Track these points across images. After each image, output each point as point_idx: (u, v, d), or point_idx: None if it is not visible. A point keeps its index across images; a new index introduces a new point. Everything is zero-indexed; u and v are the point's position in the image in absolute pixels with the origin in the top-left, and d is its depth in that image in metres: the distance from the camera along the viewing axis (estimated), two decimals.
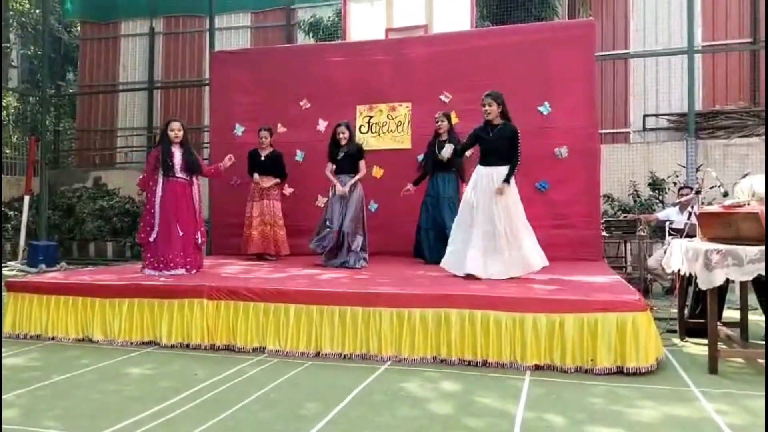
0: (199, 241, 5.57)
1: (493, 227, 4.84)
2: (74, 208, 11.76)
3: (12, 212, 11.49)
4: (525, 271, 4.88)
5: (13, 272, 9.10)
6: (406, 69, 7.29)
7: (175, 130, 5.48)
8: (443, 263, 5.12)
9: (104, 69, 13.95)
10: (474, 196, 4.95)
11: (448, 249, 5.11)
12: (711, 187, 5.03)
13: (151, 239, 5.37)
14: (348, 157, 6.10)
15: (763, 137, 9.21)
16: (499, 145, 4.94)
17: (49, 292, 4.86)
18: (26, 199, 9.85)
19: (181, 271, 5.36)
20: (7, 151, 13.33)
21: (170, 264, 5.34)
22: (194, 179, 5.59)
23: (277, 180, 6.88)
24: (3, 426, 2.84)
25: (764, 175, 3.89)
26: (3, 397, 3.29)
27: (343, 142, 6.09)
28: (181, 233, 5.41)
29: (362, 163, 6.17)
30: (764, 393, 3.20)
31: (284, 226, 6.87)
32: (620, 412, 3.01)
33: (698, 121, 9.38)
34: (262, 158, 6.84)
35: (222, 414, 2.99)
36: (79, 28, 15.34)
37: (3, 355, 4.27)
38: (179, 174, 5.44)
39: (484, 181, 4.93)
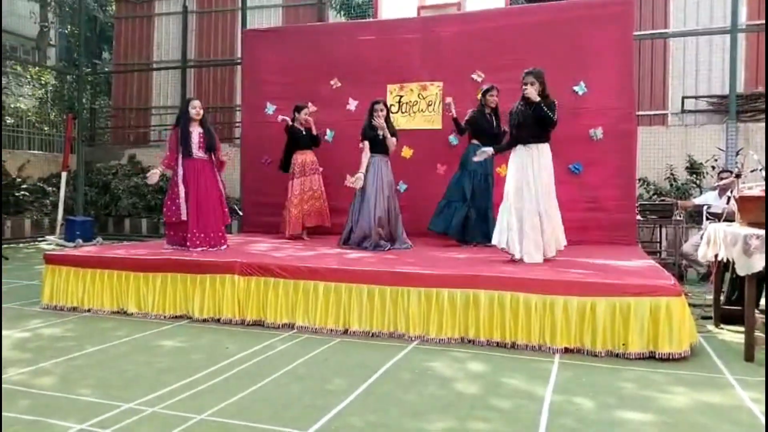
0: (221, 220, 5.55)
1: (539, 206, 4.69)
2: (110, 184, 12.03)
3: (50, 188, 11.81)
4: (556, 250, 4.80)
5: (51, 246, 9.37)
6: (437, 47, 7.16)
7: (197, 108, 5.51)
8: (504, 243, 4.76)
9: (138, 47, 14.11)
10: (525, 176, 4.74)
11: (508, 230, 4.75)
12: (752, 171, 4.88)
13: (176, 219, 5.36)
14: (386, 139, 5.86)
15: None
16: (534, 123, 4.78)
17: (85, 266, 4.98)
18: (64, 175, 10.09)
19: (205, 248, 5.34)
20: (46, 129, 13.64)
21: (196, 242, 5.33)
22: (213, 158, 5.59)
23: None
24: (41, 392, 2.94)
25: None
26: (41, 364, 3.41)
27: (381, 121, 5.82)
28: (204, 211, 5.42)
29: (394, 140, 5.96)
30: None
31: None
32: (651, 397, 2.97)
33: (739, 104, 9.07)
34: (304, 133, 6.76)
35: (251, 387, 3.04)
36: (114, 7, 15.51)
37: (41, 325, 4.42)
38: (197, 153, 5.47)
39: (529, 160, 4.75)
